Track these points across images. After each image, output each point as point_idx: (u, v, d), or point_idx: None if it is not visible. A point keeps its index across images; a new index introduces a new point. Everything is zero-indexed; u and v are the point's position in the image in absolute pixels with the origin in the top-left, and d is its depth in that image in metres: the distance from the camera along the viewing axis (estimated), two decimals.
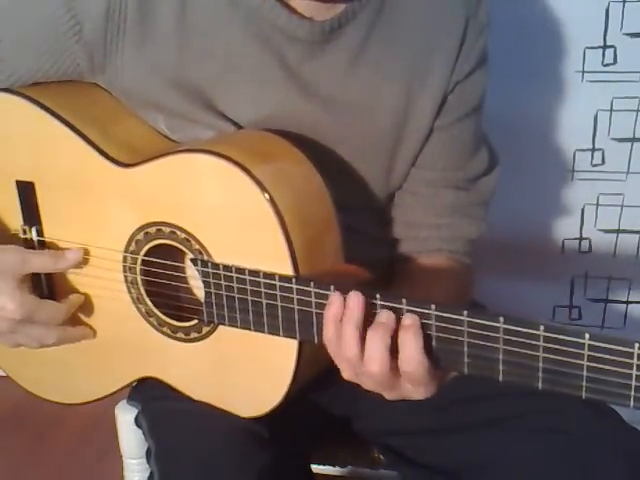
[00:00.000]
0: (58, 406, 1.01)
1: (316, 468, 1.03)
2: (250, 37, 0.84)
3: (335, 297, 0.73)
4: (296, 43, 0.84)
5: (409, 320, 0.70)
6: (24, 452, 1.70)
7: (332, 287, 0.73)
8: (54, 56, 0.85)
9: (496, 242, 1.09)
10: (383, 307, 0.71)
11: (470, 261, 0.98)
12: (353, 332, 0.71)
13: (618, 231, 1.33)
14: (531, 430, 0.85)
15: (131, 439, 1.02)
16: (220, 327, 0.83)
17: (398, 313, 0.71)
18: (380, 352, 0.70)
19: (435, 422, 0.92)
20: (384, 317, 0.71)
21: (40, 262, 0.86)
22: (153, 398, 0.93)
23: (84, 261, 0.88)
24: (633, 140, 1.27)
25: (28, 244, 0.91)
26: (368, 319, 0.72)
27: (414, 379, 0.71)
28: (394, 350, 0.71)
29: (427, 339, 0.70)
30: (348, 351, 0.72)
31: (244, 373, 0.84)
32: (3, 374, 1.03)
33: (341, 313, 0.72)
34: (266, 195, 0.75)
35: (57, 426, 1.74)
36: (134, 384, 0.96)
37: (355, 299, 0.71)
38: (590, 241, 1.35)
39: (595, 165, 1.30)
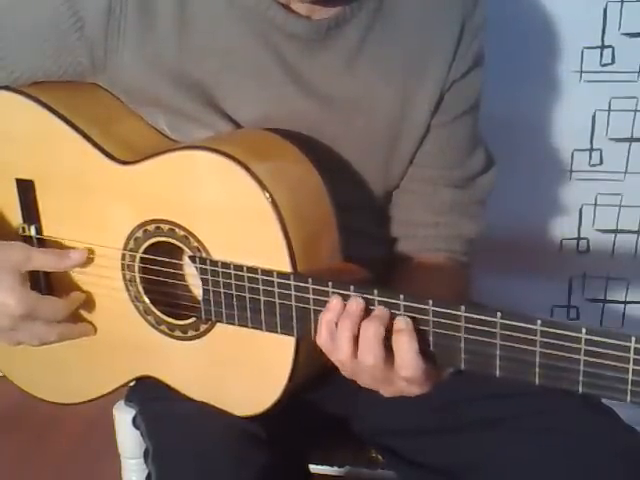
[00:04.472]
0: (56, 407, 1.01)
1: (314, 468, 1.03)
2: (248, 35, 0.84)
3: (334, 303, 0.73)
4: (294, 41, 0.84)
5: (402, 324, 0.70)
6: (22, 453, 1.70)
7: (330, 284, 0.73)
8: (56, 54, 0.85)
9: (494, 242, 1.09)
10: (380, 303, 0.71)
11: (468, 261, 0.98)
12: (348, 336, 0.72)
13: (616, 231, 1.33)
14: (530, 430, 0.85)
15: (129, 439, 1.02)
16: (218, 325, 0.83)
17: (395, 309, 0.71)
18: (374, 345, 0.71)
19: (433, 422, 0.92)
20: (378, 311, 0.72)
21: (43, 260, 0.86)
22: (151, 399, 0.93)
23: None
24: (631, 140, 1.27)
25: (27, 242, 0.90)
26: (363, 317, 0.72)
27: (409, 379, 0.72)
28: (388, 345, 0.71)
29: (423, 337, 0.70)
30: (341, 354, 0.73)
31: (241, 371, 0.83)
32: (0, 374, 1.03)
33: (337, 318, 0.73)
34: (266, 193, 0.75)
35: (55, 427, 1.73)
36: (131, 384, 0.95)
37: (355, 304, 0.72)
38: (588, 241, 1.35)
39: (593, 165, 1.30)
